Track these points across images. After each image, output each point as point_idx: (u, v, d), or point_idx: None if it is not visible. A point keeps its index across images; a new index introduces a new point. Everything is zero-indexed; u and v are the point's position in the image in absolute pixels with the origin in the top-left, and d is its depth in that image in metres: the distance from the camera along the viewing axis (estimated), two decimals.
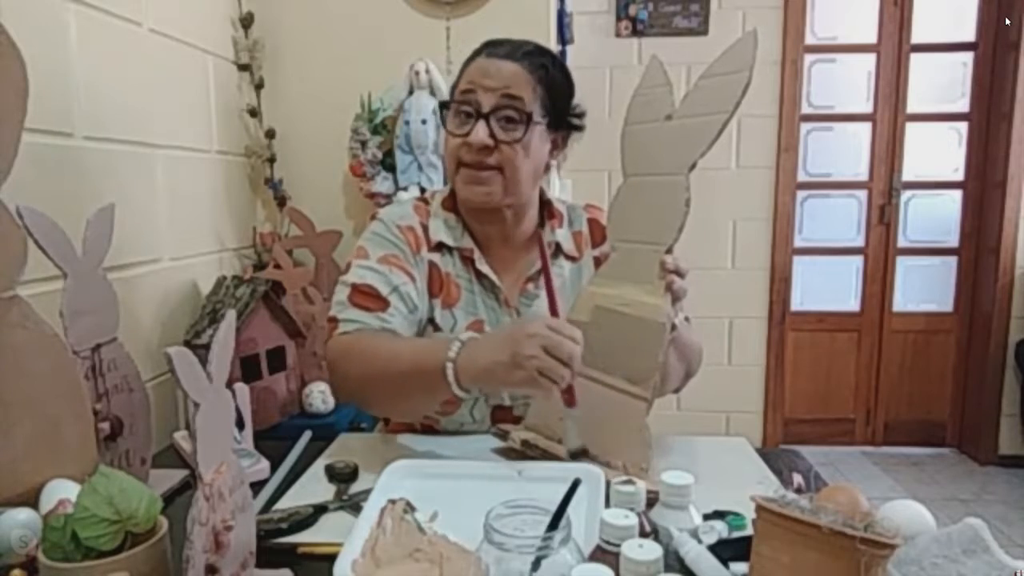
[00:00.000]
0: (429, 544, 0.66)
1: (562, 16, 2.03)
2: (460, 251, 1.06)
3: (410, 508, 0.70)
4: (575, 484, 0.59)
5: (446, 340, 0.87)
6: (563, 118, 1.04)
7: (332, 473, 0.92)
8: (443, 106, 1.03)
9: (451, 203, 1.08)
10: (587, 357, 0.91)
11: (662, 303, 0.87)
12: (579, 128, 1.07)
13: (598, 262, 1.10)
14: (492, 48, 1.00)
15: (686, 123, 0.88)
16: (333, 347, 0.97)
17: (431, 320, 1.04)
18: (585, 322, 0.93)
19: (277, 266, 1.54)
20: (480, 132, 0.96)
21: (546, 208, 1.10)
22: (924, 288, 3.09)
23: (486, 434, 1.03)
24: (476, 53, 1.02)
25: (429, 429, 1.09)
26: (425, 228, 1.06)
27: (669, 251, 0.89)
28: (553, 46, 1.84)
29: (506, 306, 1.05)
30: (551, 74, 1.00)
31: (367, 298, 0.98)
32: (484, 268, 1.05)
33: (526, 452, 0.91)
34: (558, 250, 1.09)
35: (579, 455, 0.88)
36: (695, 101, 0.88)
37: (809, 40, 2.91)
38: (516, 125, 0.97)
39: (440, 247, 1.05)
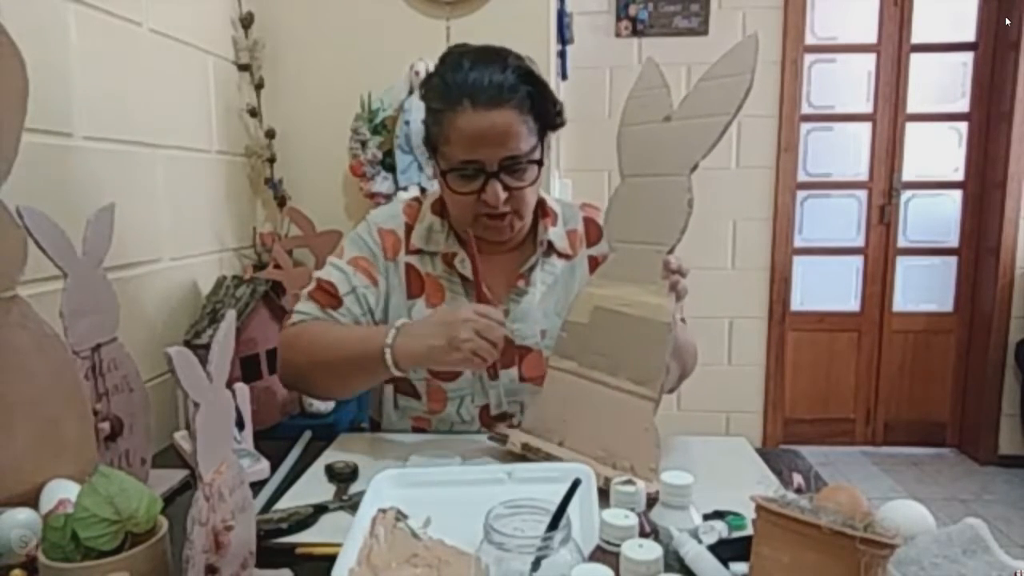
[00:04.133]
0: (426, 549, 0.66)
1: (562, 16, 2.03)
2: (443, 255, 1.06)
3: (402, 516, 0.70)
4: (575, 484, 0.59)
5: (383, 327, 0.97)
6: (552, 121, 1.02)
7: (332, 473, 0.92)
8: (441, 169, 0.99)
9: (440, 207, 1.08)
10: (590, 359, 0.92)
11: (665, 303, 0.87)
12: (562, 124, 1.05)
13: (593, 260, 1.10)
14: (472, 95, 0.93)
15: (686, 124, 0.88)
16: (283, 335, 1.05)
17: None
18: (584, 323, 0.93)
19: (277, 266, 1.54)
20: (498, 192, 0.96)
21: (539, 207, 1.10)
22: (924, 288, 3.09)
23: (479, 433, 1.03)
24: (453, 101, 0.94)
25: (421, 432, 1.09)
26: (410, 229, 1.08)
27: (671, 251, 0.89)
28: (553, 46, 1.84)
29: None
30: (533, 96, 0.96)
31: (324, 294, 1.04)
32: (467, 272, 1.05)
33: (527, 455, 0.91)
34: (550, 248, 1.09)
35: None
36: (695, 103, 0.88)
37: (809, 40, 2.91)
38: (523, 172, 0.98)
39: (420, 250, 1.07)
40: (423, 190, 1.63)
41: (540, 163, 0.99)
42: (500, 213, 0.98)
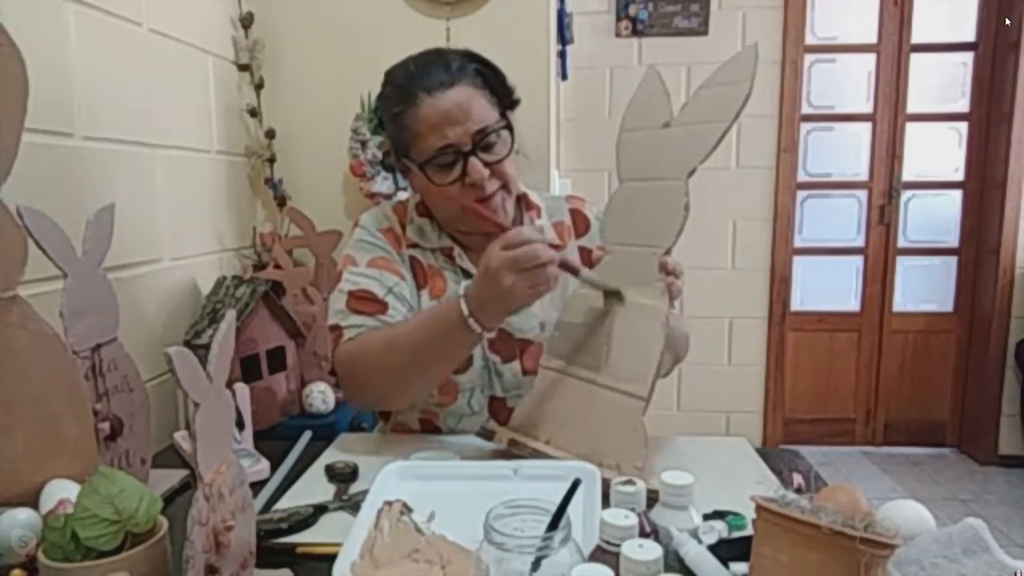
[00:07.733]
0: (427, 544, 0.66)
1: (562, 16, 2.04)
2: (441, 250, 1.08)
3: (407, 509, 0.70)
4: (575, 484, 0.59)
5: (448, 302, 0.91)
6: (509, 100, 1.04)
7: (332, 473, 0.92)
8: (419, 164, 0.98)
9: (425, 208, 1.09)
10: (581, 358, 0.92)
11: (659, 304, 0.87)
12: (518, 101, 1.06)
13: (583, 251, 1.10)
14: (424, 83, 0.96)
15: (685, 130, 0.89)
16: (343, 354, 1.00)
17: None
18: (578, 323, 0.94)
19: (277, 266, 1.54)
20: (479, 167, 0.96)
21: (523, 201, 1.11)
22: (924, 288, 3.09)
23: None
24: (410, 97, 0.96)
25: (428, 423, 1.10)
26: (403, 227, 1.09)
27: (667, 253, 0.89)
28: (553, 46, 1.84)
29: None
30: (483, 73, 0.99)
31: (365, 303, 1.01)
32: (466, 264, 1.06)
33: (513, 452, 0.91)
34: None
35: (614, 296, 0.91)
36: (695, 110, 0.88)
37: (809, 40, 2.91)
38: (497, 145, 0.98)
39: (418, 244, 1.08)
40: None
41: (511, 128, 1.00)
42: (489, 194, 0.98)
